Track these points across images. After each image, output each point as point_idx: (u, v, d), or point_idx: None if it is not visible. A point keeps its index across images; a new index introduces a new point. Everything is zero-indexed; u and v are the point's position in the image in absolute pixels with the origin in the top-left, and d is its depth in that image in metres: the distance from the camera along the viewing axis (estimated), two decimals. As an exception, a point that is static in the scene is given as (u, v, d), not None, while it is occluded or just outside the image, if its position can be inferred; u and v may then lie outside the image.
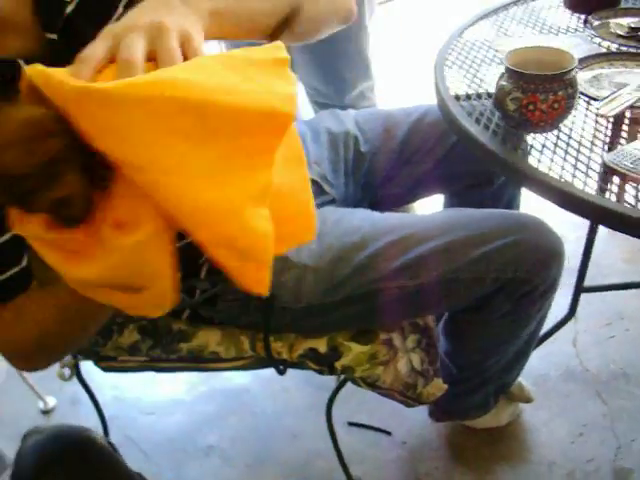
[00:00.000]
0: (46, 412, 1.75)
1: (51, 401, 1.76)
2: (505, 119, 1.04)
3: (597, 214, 0.93)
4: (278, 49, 0.69)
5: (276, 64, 0.67)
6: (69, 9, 0.84)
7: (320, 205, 1.20)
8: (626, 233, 0.93)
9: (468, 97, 1.15)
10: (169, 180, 0.59)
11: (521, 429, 1.60)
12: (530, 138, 1.05)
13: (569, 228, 1.92)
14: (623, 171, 0.94)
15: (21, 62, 0.81)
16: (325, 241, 1.10)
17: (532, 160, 1.00)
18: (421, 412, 1.57)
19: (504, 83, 1.00)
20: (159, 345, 1.20)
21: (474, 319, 1.18)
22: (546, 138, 1.05)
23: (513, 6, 1.51)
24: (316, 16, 0.93)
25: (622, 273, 1.98)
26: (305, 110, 2.09)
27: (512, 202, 1.39)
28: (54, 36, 0.82)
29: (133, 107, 0.58)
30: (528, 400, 1.55)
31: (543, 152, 1.02)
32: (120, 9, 0.88)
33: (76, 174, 0.61)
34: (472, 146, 1.05)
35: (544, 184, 0.96)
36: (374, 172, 1.28)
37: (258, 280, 0.66)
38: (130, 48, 0.62)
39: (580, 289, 1.58)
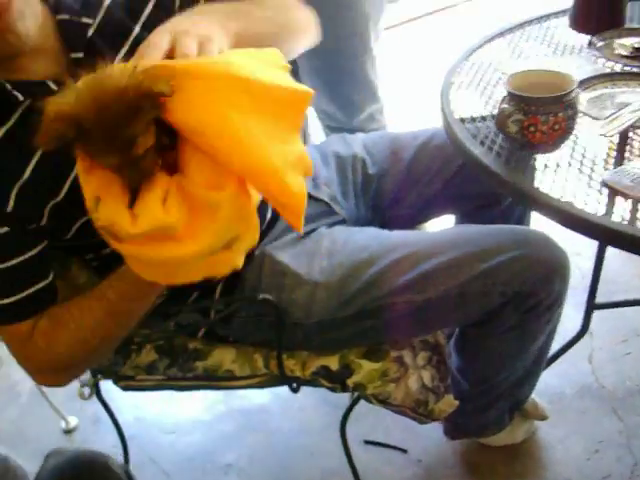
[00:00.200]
0: (68, 432, 1.79)
1: (73, 421, 1.80)
2: (508, 141, 1.07)
3: (601, 234, 0.96)
4: (280, 56, 0.86)
5: (280, 67, 0.84)
6: (90, 31, 0.94)
7: (331, 225, 1.23)
8: (634, 252, 0.94)
9: (473, 119, 1.17)
10: (222, 144, 0.72)
11: (536, 446, 1.60)
12: (534, 159, 1.07)
13: (585, 244, 1.92)
14: (622, 190, 0.96)
15: (50, 83, 0.90)
16: (335, 259, 1.14)
17: (536, 181, 1.02)
18: (437, 430, 1.58)
19: (505, 106, 1.03)
20: (176, 364, 1.23)
21: (483, 333, 1.21)
22: (549, 158, 1.07)
23: (520, 28, 1.53)
24: (290, 42, 1.04)
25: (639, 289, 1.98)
26: (317, 135, 2.13)
27: (522, 220, 1.41)
28: (80, 54, 0.92)
29: (195, 81, 0.72)
30: (543, 417, 1.56)
31: (546, 172, 1.04)
32: (137, 29, 0.98)
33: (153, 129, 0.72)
34: (476, 168, 1.08)
35: (547, 205, 0.98)
36: (382, 194, 1.32)
37: (294, 221, 0.81)
38: (188, 47, 0.76)
39: (592, 306, 1.59)
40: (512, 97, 1.02)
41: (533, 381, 1.40)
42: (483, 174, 1.06)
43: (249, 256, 1.13)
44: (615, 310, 1.86)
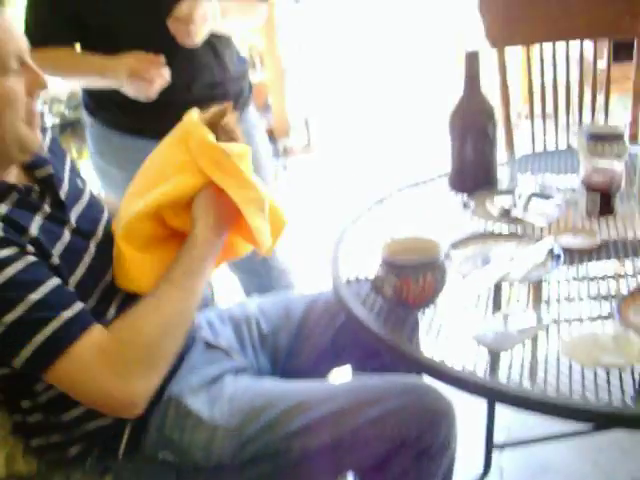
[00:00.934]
0: None
1: None
2: (385, 301, 1.16)
3: (477, 391, 1.03)
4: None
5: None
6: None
7: (236, 373, 1.30)
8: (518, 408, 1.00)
9: (357, 281, 1.27)
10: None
11: None
12: (411, 318, 1.16)
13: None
14: (487, 345, 1.06)
15: (18, 184, 1.12)
16: (235, 404, 1.21)
17: (414, 340, 1.11)
18: None
19: (380, 270, 1.14)
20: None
21: (379, 478, 1.24)
22: (426, 317, 1.16)
23: (405, 191, 1.65)
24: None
25: (546, 426, 2.03)
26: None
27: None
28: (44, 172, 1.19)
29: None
30: None
31: (424, 331, 1.13)
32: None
33: None
34: (358, 326, 1.16)
35: (423, 364, 1.07)
36: (279, 349, 1.41)
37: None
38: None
39: (490, 447, 1.66)
40: (385, 262, 1.13)
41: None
42: (363, 332, 1.15)
43: (157, 401, 1.17)
44: (524, 448, 1.93)
